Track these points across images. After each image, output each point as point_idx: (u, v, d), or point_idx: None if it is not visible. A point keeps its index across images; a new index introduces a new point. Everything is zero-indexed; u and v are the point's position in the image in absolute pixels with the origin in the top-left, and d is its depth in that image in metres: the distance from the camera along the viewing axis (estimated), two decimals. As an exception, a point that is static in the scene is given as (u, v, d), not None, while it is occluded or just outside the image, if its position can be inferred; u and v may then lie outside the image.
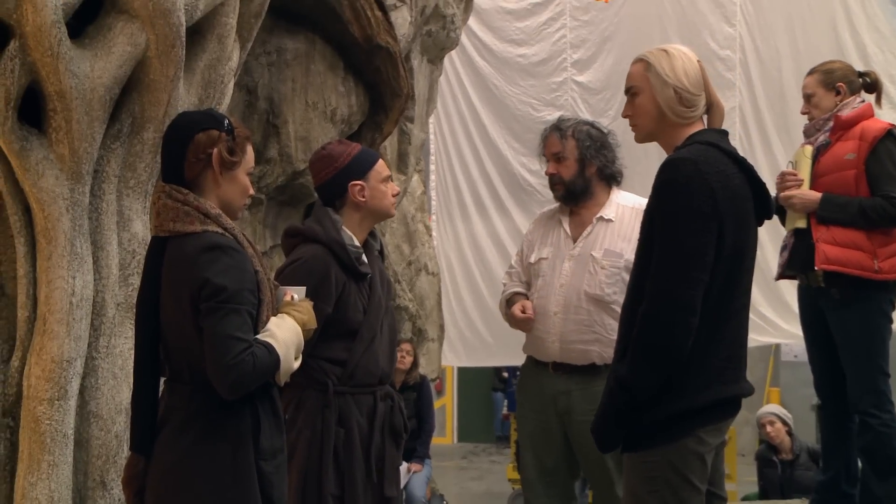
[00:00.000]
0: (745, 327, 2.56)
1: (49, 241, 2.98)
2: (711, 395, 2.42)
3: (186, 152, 2.38)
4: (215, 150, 2.37)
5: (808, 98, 3.93)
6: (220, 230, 2.35)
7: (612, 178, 3.54)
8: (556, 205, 3.65)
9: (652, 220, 2.46)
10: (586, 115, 7.68)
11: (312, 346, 2.74)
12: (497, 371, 12.95)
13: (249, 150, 2.45)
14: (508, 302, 3.63)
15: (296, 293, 2.48)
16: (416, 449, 6.66)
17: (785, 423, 6.89)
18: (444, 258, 8.17)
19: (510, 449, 10.16)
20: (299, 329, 2.42)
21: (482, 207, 8.10)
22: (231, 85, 3.48)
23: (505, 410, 12.01)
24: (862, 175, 3.68)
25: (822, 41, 7.47)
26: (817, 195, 3.72)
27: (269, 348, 2.32)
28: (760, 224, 2.59)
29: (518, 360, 11.00)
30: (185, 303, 2.32)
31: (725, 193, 2.40)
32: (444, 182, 8.18)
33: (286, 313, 2.43)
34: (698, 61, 2.61)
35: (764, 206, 2.55)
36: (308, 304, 2.50)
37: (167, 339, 2.39)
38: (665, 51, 2.60)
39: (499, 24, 7.77)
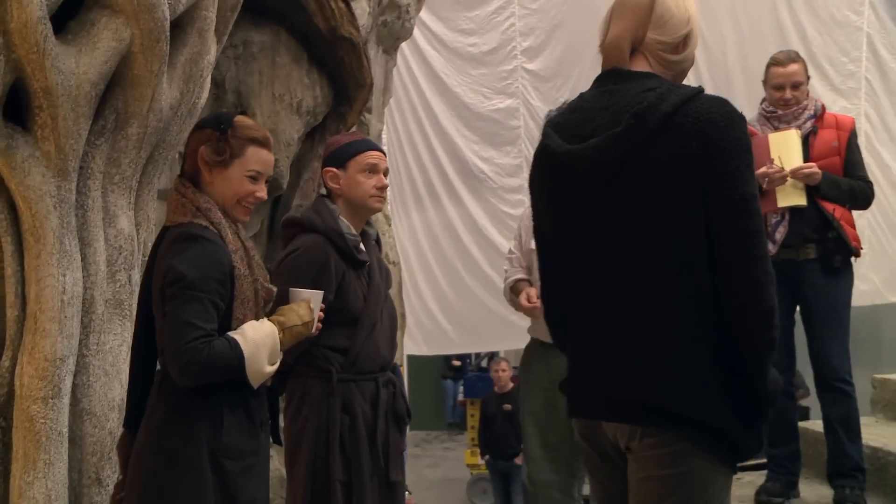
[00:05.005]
0: (585, 307, 2.06)
1: (37, 239, 2.96)
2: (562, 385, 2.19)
3: (187, 149, 2.49)
4: (201, 149, 2.45)
5: (796, 86, 4.05)
6: (205, 223, 2.39)
7: None
8: None
9: None
10: (538, 103, 7.80)
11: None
12: (447, 359, 13.04)
13: (254, 151, 2.46)
14: (513, 289, 3.71)
15: (308, 296, 2.50)
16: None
17: None
18: (401, 248, 8.20)
19: (466, 434, 10.27)
20: (276, 333, 2.42)
21: (435, 196, 8.15)
22: (209, 79, 3.47)
23: (461, 397, 12.10)
24: (842, 161, 3.92)
25: (764, 25, 7.65)
26: (820, 171, 3.90)
27: (232, 344, 2.33)
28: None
29: (475, 347, 11.08)
30: (157, 289, 2.38)
31: (530, 171, 2.25)
32: (397, 172, 8.21)
33: (270, 319, 2.46)
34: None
35: (551, 163, 2.12)
36: (299, 307, 2.51)
37: (156, 325, 2.43)
38: None
39: (448, 14, 7.81)
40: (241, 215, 2.47)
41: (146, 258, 3.35)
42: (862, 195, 3.95)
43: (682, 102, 1.93)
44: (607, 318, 1.99)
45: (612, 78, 2.07)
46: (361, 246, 2.96)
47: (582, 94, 2.13)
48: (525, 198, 7.88)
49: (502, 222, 8.01)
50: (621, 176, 1.96)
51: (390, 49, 6.34)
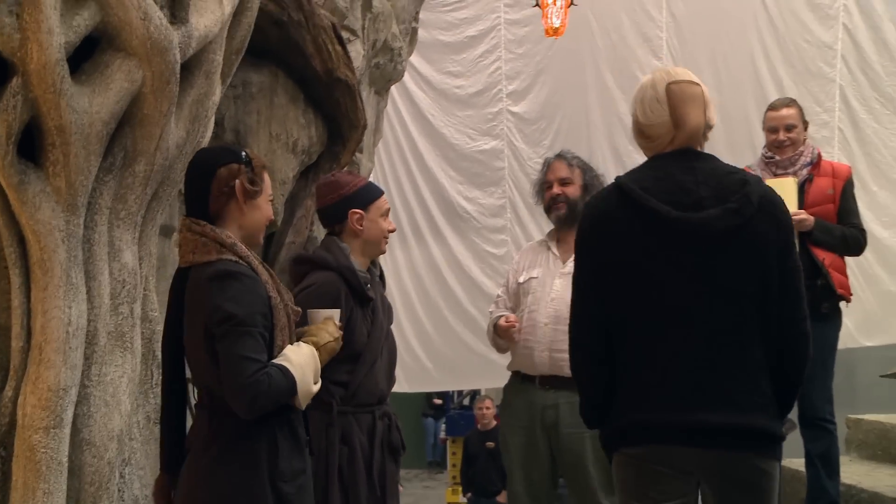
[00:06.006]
0: (686, 350, 2.40)
1: (45, 272, 3.04)
2: (626, 419, 2.47)
3: (210, 187, 2.54)
4: (237, 182, 2.54)
5: (790, 128, 4.22)
6: (234, 258, 2.48)
7: None
8: (539, 238, 3.93)
9: None
10: (522, 145, 7.96)
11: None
12: (428, 397, 13.05)
13: (267, 178, 2.61)
14: (495, 327, 3.82)
15: (330, 314, 2.62)
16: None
17: None
18: (384, 285, 8.27)
19: (448, 472, 10.30)
20: (315, 353, 2.53)
21: (420, 235, 8.26)
22: (213, 119, 3.59)
23: (443, 435, 12.12)
24: (836, 208, 4.07)
25: (742, 74, 7.87)
26: (812, 218, 4.04)
27: (283, 370, 2.42)
28: (691, 243, 2.41)
29: (456, 385, 11.10)
30: (199, 329, 2.44)
31: (593, 223, 2.54)
32: (383, 210, 8.30)
33: (303, 341, 2.56)
34: (670, 84, 2.51)
35: (659, 225, 2.42)
36: (326, 325, 2.63)
37: (191, 365, 2.50)
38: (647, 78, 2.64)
39: (437, 57, 7.98)
40: (260, 239, 2.61)
41: (147, 292, 3.44)
42: (854, 242, 4.10)
43: (758, 185, 2.46)
44: (701, 356, 2.39)
45: (689, 156, 2.49)
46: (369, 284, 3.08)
47: (662, 165, 2.48)
48: (508, 237, 8.00)
49: (485, 261, 8.13)
50: (729, 242, 2.41)
51: (382, 90, 6.48)
